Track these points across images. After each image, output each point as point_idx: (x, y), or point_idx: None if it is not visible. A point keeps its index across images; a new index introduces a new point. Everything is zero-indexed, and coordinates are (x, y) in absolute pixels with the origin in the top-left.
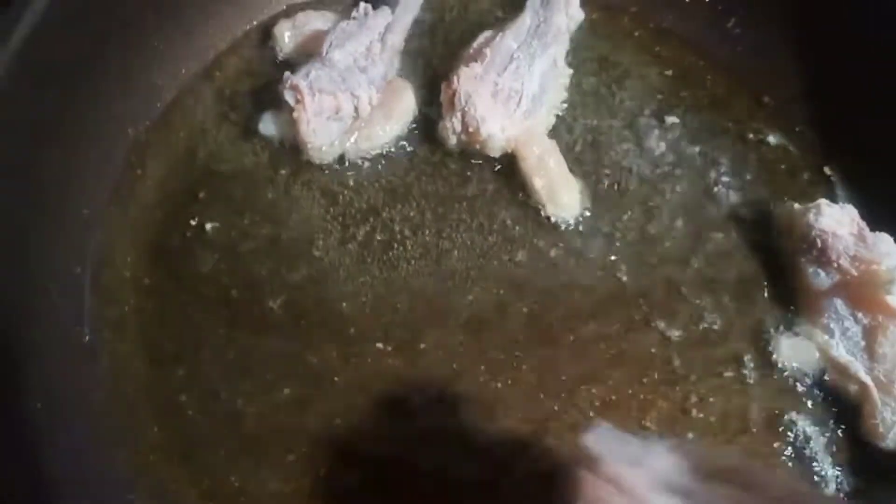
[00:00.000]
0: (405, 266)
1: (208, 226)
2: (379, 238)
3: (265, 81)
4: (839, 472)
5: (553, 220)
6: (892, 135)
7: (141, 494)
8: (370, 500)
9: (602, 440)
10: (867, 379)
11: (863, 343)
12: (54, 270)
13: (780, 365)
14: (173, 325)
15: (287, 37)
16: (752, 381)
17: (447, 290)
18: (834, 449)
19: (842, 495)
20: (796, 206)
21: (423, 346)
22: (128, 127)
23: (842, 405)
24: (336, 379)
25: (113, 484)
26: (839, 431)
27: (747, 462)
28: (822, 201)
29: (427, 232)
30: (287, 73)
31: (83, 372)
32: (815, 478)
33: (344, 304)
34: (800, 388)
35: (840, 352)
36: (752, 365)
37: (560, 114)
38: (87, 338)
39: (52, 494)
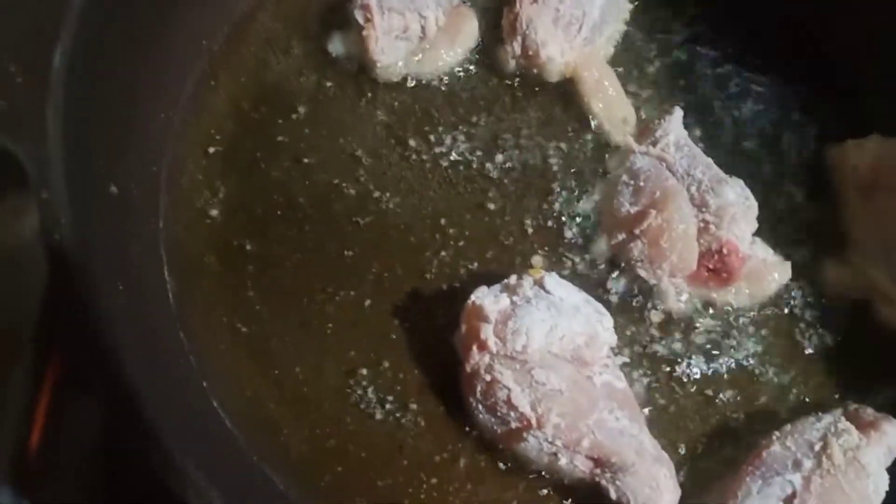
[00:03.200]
0: (464, 185)
1: (278, 137)
2: (439, 157)
3: (335, 4)
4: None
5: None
6: None
7: (213, 382)
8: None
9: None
10: None
11: None
12: (133, 168)
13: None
14: (243, 227)
15: None
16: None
17: (505, 210)
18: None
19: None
20: (848, 142)
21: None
22: (202, 39)
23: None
24: (396, 286)
25: (186, 372)
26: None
27: None
28: (874, 136)
29: (484, 154)
30: None
31: (155, 264)
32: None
33: (404, 216)
34: None
35: (884, 280)
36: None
37: (617, 45)
38: (162, 231)
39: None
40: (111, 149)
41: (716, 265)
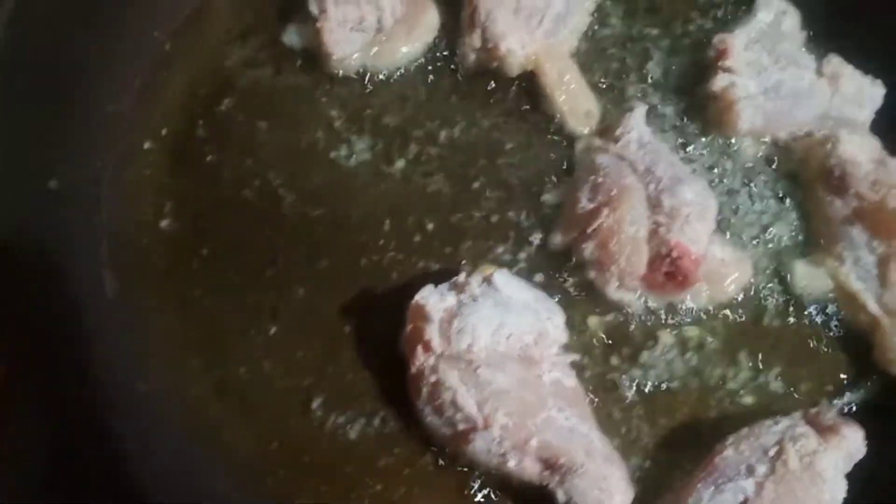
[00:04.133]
0: (421, 180)
1: (230, 132)
2: (394, 150)
3: None
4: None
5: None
6: None
7: (154, 383)
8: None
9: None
10: (876, 309)
11: (875, 272)
12: (76, 162)
13: (792, 289)
14: (190, 224)
15: None
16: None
17: (461, 203)
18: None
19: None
20: (815, 135)
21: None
22: (153, 30)
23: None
24: (345, 285)
25: (127, 374)
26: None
27: None
28: (842, 131)
29: (442, 147)
30: None
31: (96, 261)
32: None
33: (357, 213)
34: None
35: (852, 279)
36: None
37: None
38: (105, 227)
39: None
40: (51, 142)
41: (669, 269)
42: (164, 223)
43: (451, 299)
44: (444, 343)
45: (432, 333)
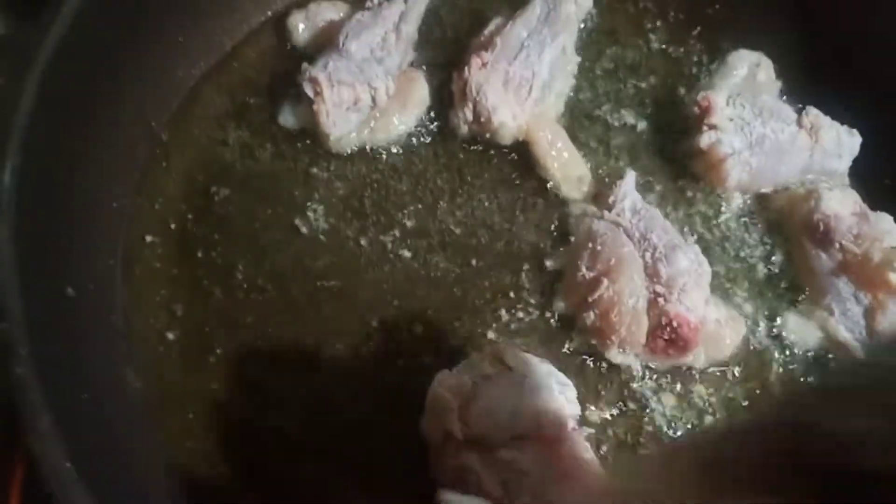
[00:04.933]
0: (423, 255)
1: (234, 217)
2: (397, 227)
3: (282, 73)
4: None
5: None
6: None
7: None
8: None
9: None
10: (864, 359)
11: (863, 322)
12: (89, 264)
13: (784, 342)
14: (201, 314)
15: (301, 28)
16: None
17: (466, 277)
18: None
19: None
20: (798, 191)
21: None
22: (151, 120)
23: None
24: (359, 367)
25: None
26: None
27: None
28: (822, 186)
29: (444, 220)
30: (305, 65)
31: (116, 361)
32: None
33: (365, 293)
34: None
35: (841, 330)
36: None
37: (567, 100)
38: (121, 326)
39: None
40: (64, 249)
41: (670, 336)
42: (178, 317)
43: (465, 382)
44: (464, 427)
45: (452, 420)
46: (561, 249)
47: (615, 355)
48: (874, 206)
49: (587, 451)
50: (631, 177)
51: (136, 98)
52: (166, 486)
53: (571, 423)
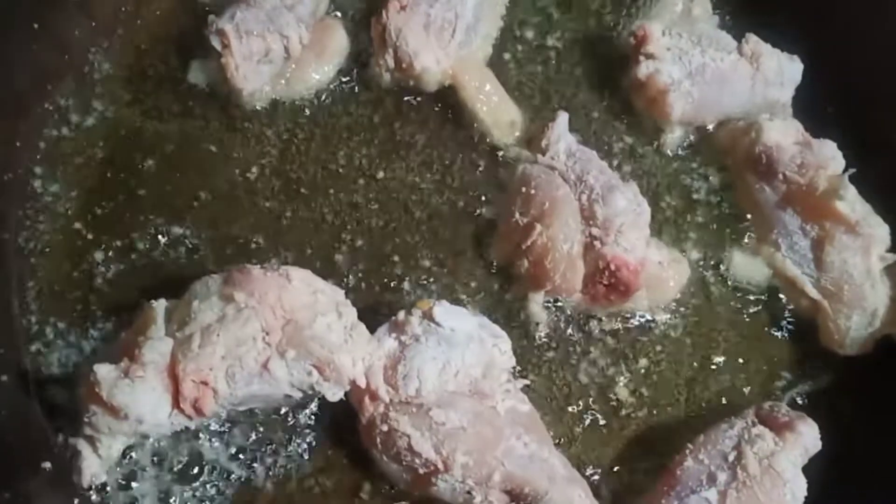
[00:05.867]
0: (348, 212)
1: (143, 183)
2: (319, 184)
3: (189, 28)
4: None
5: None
6: None
7: None
8: None
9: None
10: (815, 293)
11: (811, 255)
12: None
13: (732, 281)
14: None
15: None
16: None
17: (396, 231)
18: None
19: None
20: (739, 124)
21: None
22: (47, 83)
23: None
24: None
25: None
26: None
27: None
28: (763, 118)
29: (368, 175)
30: (212, 17)
31: None
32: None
33: (286, 252)
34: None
35: (788, 265)
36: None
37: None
38: None
39: None
40: None
41: (609, 281)
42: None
43: (391, 343)
44: (391, 390)
45: (378, 383)
46: (494, 198)
47: (534, 307)
48: (818, 136)
49: (524, 403)
50: (564, 118)
51: (30, 60)
52: None
53: (505, 376)
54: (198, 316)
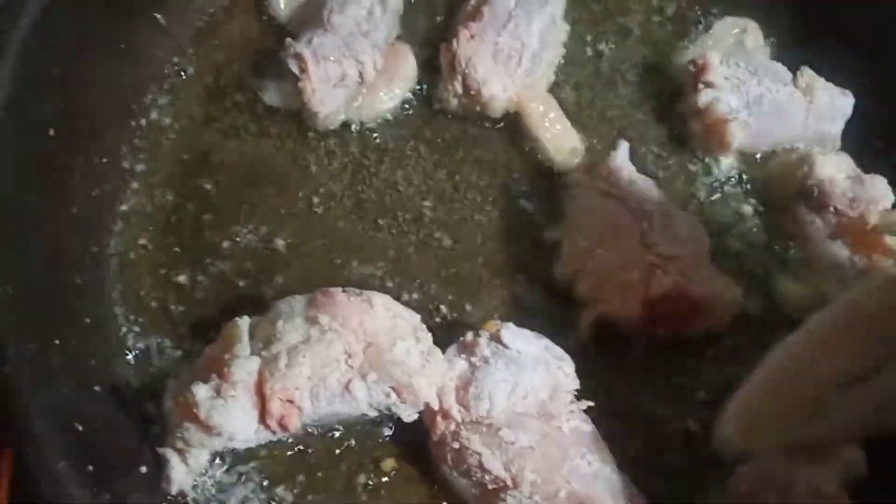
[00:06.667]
0: (417, 232)
1: (219, 202)
2: (388, 205)
3: (265, 50)
4: None
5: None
6: None
7: None
8: None
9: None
10: None
11: None
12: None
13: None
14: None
15: (283, 2)
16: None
17: (461, 253)
18: None
19: None
20: (791, 156)
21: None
22: (131, 104)
23: None
24: None
25: None
26: None
27: None
28: (815, 150)
29: (436, 197)
30: (289, 41)
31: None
32: None
33: (357, 272)
34: None
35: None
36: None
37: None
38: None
39: None
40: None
41: (671, 308)
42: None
43: (461, 364)
44: (463, 411)
45: (450, 403)
46: (556, 222)
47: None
48: (866, 170)
49: (587, 423)
50: (624, 147)
51: (112, 79)
52: None
53: (570, 397)
54: (283, 336)
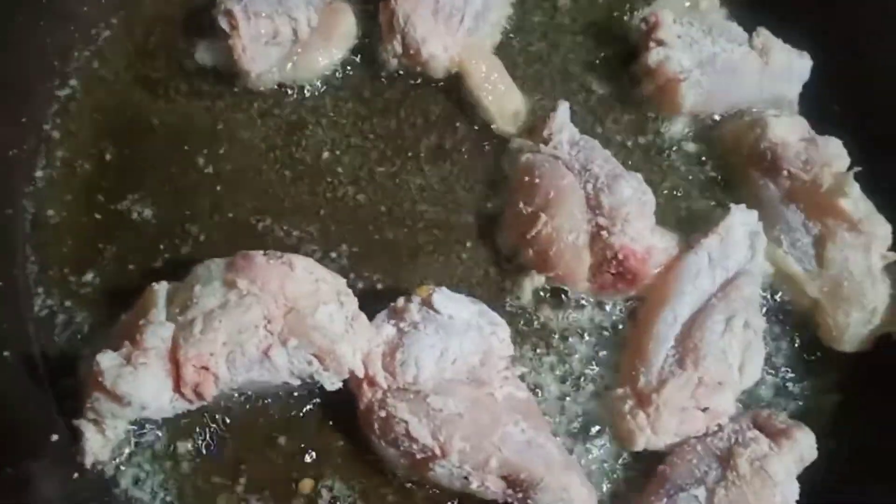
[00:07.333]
0: (352, 196)
1: (146, 160)
2: (323, 168)
3: (196, 7)
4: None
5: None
6: None
7: None
8: None
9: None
10: (814, 290)
11: (812, 252)
12: None
13: None
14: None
15: None
16: None
17: (398, 219)
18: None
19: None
20: (744, 119)
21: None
22: (54, 59)
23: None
24: None
25: None
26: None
27: None
28: (769, 113)
29: (372, 160)
30: None
31: None
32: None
33: (288, 238)
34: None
35: (789, 262)
36: None
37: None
38: None
39: None
40: None
41: (617, 270)
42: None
43: (389, 330)
44: (389, 377)
45: (376, 369)
46: (499, 187)
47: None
48: (823, 133)
49: (521, 390)
50: (565, 107)
51: (36, 38)
52: None
53: (503, 363)
54: (200, 301)
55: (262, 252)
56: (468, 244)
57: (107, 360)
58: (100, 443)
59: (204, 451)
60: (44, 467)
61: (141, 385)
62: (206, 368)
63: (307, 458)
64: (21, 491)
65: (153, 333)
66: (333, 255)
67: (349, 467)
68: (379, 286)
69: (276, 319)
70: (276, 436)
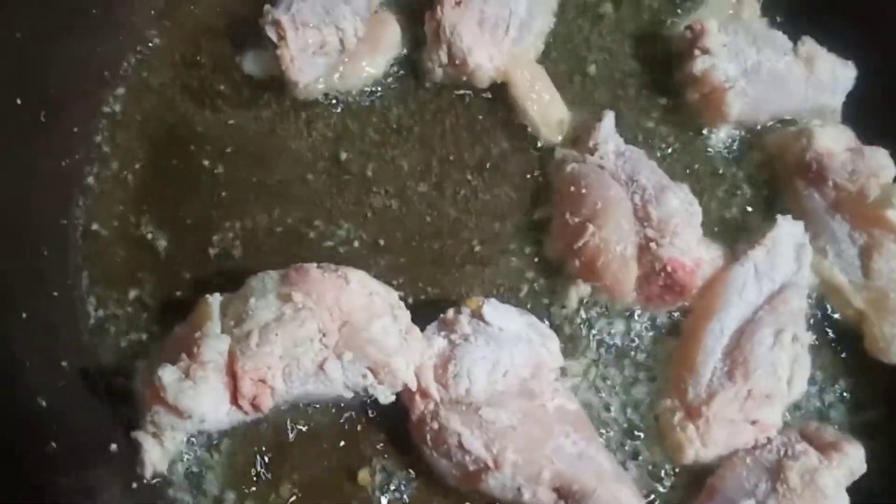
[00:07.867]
0: (399, 207)
1: (193, 171)
2: (370, 178)
3: (243, 17)
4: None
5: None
6: None
7: None
8: None
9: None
10: (860, 302)
11: (858, 263)
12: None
13: None
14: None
15: None
16: None
17: (445, 230)
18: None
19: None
20: (790, 129)
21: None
22: (104, 70)
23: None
24: None
25: None
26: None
27: None
28: (814, 123)
29: (419, 171)
30: (267, 7)
31: None
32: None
33: (338, 248)
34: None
35: (835, 273)
36: None
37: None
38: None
39: None
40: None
41: (665, 282)
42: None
43: (441, 342)
44: (442, 389)
45: (429, 382)
46: (546, 196)
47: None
48: (869, 143)
49: (572, 402)
50: (610, 117)
51: (85, 48)
52: None
53: (553, 375)
54: (255, 313)
55: (315, 265)
56: (513, 254)
57: (168, 375)
58: (159, 454)
59: (258, 462)
60: (103, 476)
61: (201, 399)
62: (263, 381)
63: (358, 472)
64: (82, 501)
65: (210, 346)
66: (382, 264)
67: (400, 478)
68: (423, 297)
69: (332, 333)
70: (326, 447)
